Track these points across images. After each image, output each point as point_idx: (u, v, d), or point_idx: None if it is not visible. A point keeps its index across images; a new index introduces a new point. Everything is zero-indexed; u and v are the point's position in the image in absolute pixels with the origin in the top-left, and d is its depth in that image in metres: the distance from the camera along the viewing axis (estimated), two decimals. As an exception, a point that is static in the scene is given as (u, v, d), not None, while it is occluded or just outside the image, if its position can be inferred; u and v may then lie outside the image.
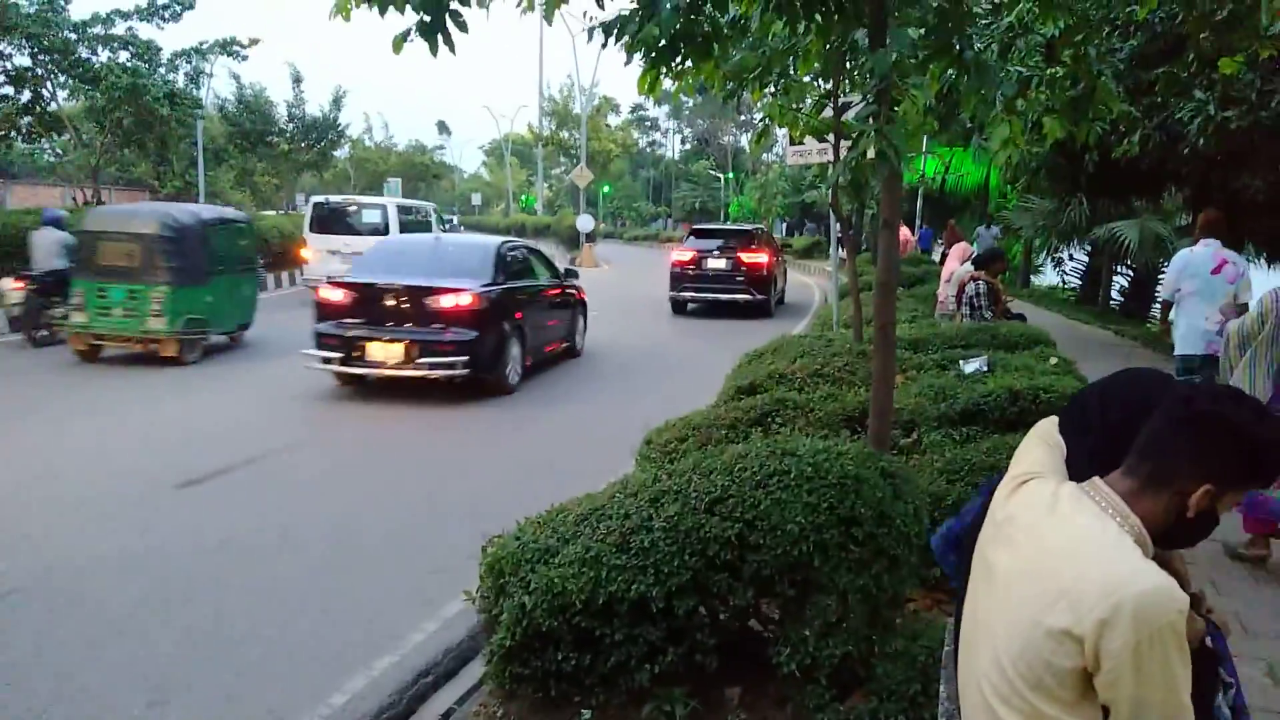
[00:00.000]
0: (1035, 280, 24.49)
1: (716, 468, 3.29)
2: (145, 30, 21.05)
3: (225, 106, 34.45)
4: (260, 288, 14.18)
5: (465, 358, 9.16)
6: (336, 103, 35.28)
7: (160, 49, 21.65)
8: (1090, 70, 4.84)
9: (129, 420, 8.24)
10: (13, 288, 11.73)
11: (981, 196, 25.50)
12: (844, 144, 6.21)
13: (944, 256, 13.81)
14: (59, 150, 29.59)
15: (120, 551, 5.10)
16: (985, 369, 6.17)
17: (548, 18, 4.04)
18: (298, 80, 34.73)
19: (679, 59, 4.02)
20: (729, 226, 23.26)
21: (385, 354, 9.16)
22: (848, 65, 6.30)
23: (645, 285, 21.49)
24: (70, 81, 20.44)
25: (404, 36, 3.54)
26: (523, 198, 69.21)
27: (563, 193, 73.77)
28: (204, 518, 5.72)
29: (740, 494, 3.09)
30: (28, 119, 20.40)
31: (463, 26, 3.53)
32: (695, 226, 20.83)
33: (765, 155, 53.70)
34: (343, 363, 9.28)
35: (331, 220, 17.61)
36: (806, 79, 6.56)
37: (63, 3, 19.82)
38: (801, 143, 9.52)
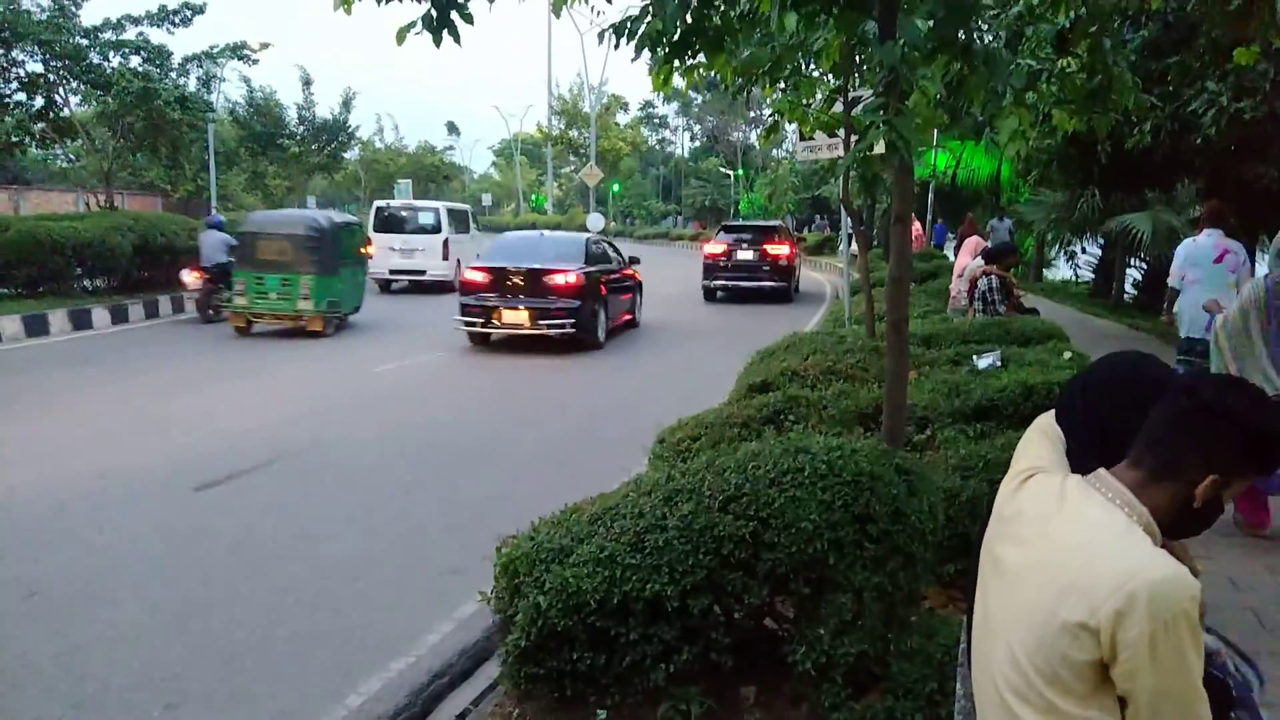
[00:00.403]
0: (1047, 274, 24.33)
1: (730, 466, 3.27)
2: (156, 35, 21.09)
3: (236, 110, 34.52)
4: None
5: (572, 320, 12.42)
6: (347, 105, 35.34)
7: (171, 54, 21.71)
8: (1106, 62, 4.79)
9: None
10: (192, 278, 14.81)
11: (993, 190, 25.36)
12: (854, 139, 6.19)
13: (957, 250, 13.75)
14: (71, 155, 29.72)
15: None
16: (998, 364, 6.15)
17: (555, 10, 4.04)
18: (307, 83, 34.80)
19: (690, 53, 4.01)
20: (755, 223, 25.69)
21: (514, 318, 12.52)
22: (858, 59, 6.27)
23: (667, 278, 21.92)
24: (82, 87, 20.52)
25: (408, 29, 3.54)
26: (533, 197, 69.30)
27: (573, 191, 73.79)
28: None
29: (754, 492, 3.07)
30: (41, 125, 20.50)
31: (468, 19, 3.53)
32: (725, 224, 24.26)
33: (775, 151, 53.58)
34: (483, 326, 12.66)
35: (391, 222, 20.78)
36: (817, 74, 6.54)
37: (74, 9, 19.92)
38: (812, 138, 9.50)
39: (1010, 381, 5.38)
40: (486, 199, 69.99)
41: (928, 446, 4.89)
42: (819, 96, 6.81)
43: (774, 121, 6.99)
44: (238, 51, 23.54)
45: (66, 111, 20.91)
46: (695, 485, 3.20)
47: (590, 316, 12.79)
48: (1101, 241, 20.03)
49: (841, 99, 6.71)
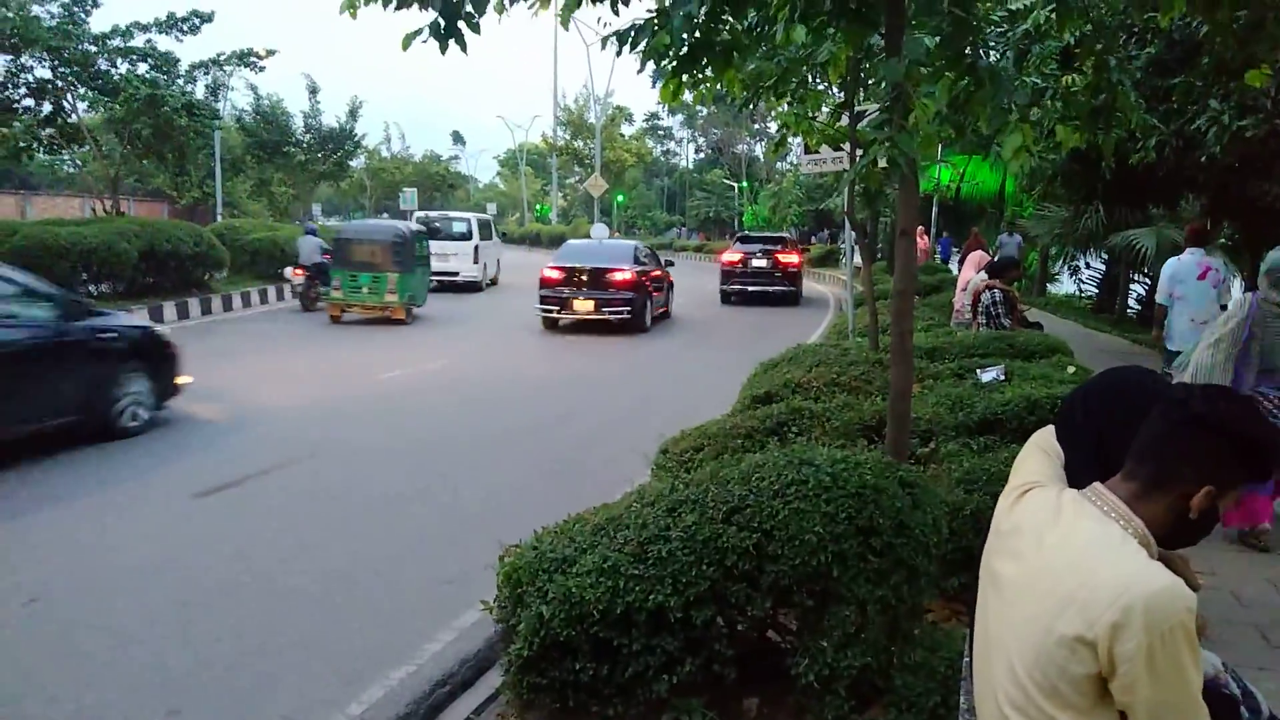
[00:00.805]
0: (1051, 288, 24.31)
1: (734, 477, 3.28)
2: (164, 42, 21.14)
3: (242, 117, 34.66)
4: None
5: (629, 308, 15.91)
6: (353, 113, 35.48)
7: (178, 61, 21.74)
8: (1110, 80, 4.81)
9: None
10: (296, 275, 17.93)
11: (997, 204, 25.37)
12: (859, 153, 6.21)
13: (961, 264, 13.75)
14: (79, 161, 29.78)
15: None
16: (1001, 378, 6.15)
17: (564, 22, 4.05)
18: (314, 91, 34.95)
19: (699, 68, 4.01)
20: (767, 234, 28.34)
21: (583, 308, 15.95)
22: (862, 73, 6.29)
23: (681, 285, 22.34)
24: (90, 93, 20.58)
25: (414, 35, 3.54)
26: (538, 207, 69.31)
27: (577, 202, 73.82)
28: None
29: (758, 504, 3.07)
30: (49, 131, 20.56)
31: (475, 28, 3.53)
32: (740, 234, 28.47)
33: (779, 164, 53.59)
34: (559, 313, 16.15)
35: (429, 230, 21.94)
36: (822, 87, 6.56)
37: (83, 15, 19.99)
38: (817, 151, 9.53)
39: (1014, 395, 5.37)
40: (492, 208, 69.99)
41: (931, 460, 4.88)
42: (825, 110, 6.83)
43: (781, 135, 7.00)
44: (244, 59, 23.60)
45: (74, 118, 20.97)
46: (699, 496, 3.21)
47: (641, 307, 16.27)
48: (1105, 256, 20.03)
49: (847, 112, 6.73)
